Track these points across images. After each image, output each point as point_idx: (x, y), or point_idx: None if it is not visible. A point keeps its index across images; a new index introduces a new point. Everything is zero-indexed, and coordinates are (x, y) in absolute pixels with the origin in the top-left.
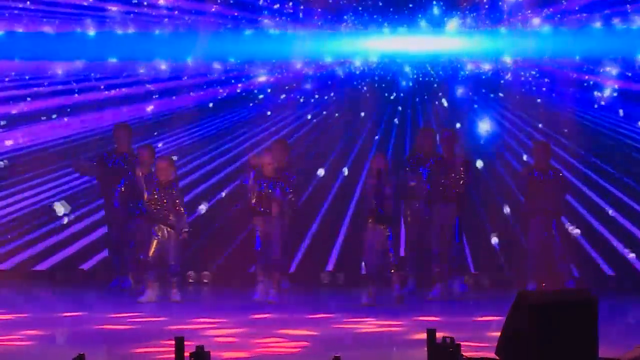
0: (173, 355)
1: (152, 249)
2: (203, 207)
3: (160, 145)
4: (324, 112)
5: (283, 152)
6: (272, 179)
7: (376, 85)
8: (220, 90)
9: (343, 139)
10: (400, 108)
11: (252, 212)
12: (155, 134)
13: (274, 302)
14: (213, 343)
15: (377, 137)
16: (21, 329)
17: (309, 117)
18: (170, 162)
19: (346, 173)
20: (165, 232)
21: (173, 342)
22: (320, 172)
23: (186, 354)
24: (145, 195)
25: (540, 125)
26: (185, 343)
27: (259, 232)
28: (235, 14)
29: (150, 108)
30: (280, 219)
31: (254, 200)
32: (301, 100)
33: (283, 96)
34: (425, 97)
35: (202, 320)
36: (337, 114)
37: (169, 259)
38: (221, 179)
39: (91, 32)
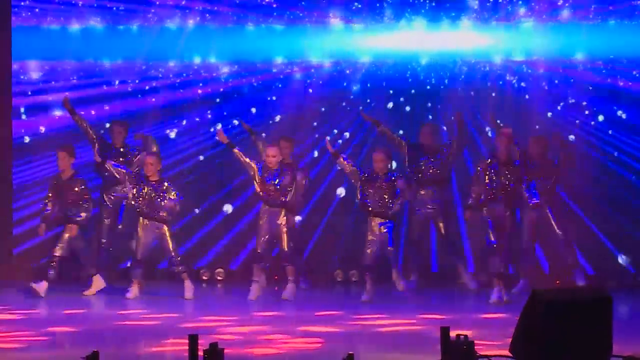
0: (187, 353)
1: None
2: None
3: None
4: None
5: (289, 148)
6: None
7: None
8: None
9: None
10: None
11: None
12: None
13: (290, 299)
14: (227, 340)
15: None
16: (34, 327)
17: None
18: (158, 157)
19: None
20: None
21: (187, 340)
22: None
23: (200, 352)
24: (134, 192)
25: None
26: (200, 340)
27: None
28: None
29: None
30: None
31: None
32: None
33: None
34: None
35: (215, 317)
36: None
37: (167, 253)
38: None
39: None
